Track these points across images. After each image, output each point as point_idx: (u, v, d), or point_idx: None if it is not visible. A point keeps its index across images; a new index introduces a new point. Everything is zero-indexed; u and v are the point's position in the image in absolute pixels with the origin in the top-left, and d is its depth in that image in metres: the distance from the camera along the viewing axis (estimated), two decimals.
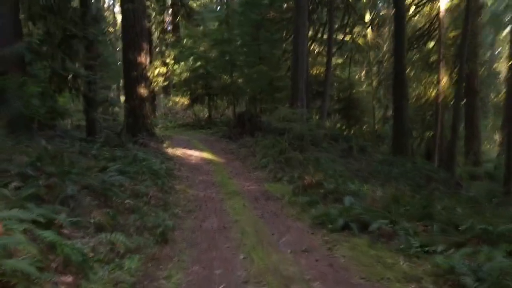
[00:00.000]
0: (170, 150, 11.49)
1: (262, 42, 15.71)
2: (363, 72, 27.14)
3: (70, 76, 9.12)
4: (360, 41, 21.97)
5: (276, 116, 11.51)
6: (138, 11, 11.57)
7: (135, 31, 11.61)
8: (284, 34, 18.64)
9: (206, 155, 11.89)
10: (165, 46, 26.74)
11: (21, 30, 8.66)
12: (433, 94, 19.79)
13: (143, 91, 11.85)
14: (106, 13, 32.06)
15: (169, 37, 25.77)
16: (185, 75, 19.87)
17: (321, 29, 19.35)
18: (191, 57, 18.73)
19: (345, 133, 20.38)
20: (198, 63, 18.85)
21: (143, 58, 11.89)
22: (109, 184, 5.46)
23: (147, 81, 12.21)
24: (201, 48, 18.61)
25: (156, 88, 24.92)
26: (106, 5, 34.64)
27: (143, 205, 5.69)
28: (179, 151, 11.87)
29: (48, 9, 8.50)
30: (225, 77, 17.35)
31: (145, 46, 12.02)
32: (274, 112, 11.45)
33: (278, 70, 17.19)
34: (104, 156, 8.38)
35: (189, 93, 19.60)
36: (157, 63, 24.17)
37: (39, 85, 7.13)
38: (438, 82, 17.86)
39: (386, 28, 24.02)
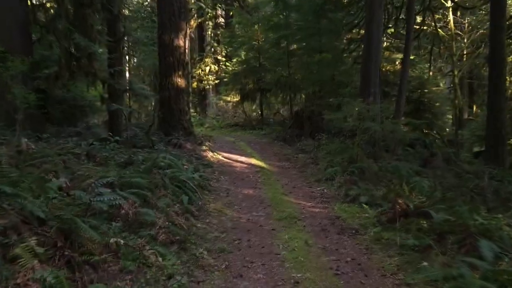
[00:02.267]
0: (209, 154, 9.38)
1: (323, 32, 13.17)
2: (435, 69, 23.59)
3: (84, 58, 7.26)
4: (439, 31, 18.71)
5: (347, 112, 8.97)
6: None
7: (172, 8, 9.68)
8: (351, 21, 16.02)
9: (255, 161, 9.64)
10: (217, 43, 25.41)
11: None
12: None
13: (180, 80, 9.88)
14: None
15: (222, 33, 24.24)
16: (236, 68, 17.88)
17: (393, 16, 16.48)
18: (242, 47, 16.68)
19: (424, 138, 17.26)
20: (250, 55, 16.75)
21: (182, 41, 9.93)
22: (83, 211, 3.32)
23: (186, 69, 10.26)
24: (254, 39, 16.47)
25: (207, 87, 23.46)
26: None
27: (142, 245, 3.50)
28: (221, 156, 9.74)
29: None
30: (279, 70, 15.04)
31: (184, 26, 10.05)
32: (345, 108, 8.93)
33: (341, 64, 14.59)
34: (117, 160, 6.40)
35: (239, 88, 17.52)
36: (208, 60, 22.68)
37: (26, 64, 5.24)
38: None
39: (467, 20, 20.48)
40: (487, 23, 22.32)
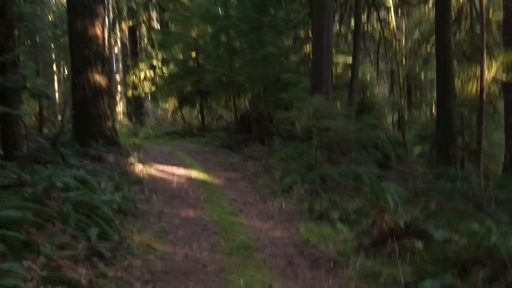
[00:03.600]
0: (139, 168, 7.69)
1: (266, 30, 11.95)
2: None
3: None
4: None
5: (301, 110, 7.75)
6: None
7: None
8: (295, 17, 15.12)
9: (196, 173, 8.10)
10: (152, 47, 23.68)
11: None
12: (473, 89, 16.28)
13: (98, 78, 8.10)
14: None
15: (154, 32, 22.53)
16: (172, 70, 16.23)
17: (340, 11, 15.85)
18: (178, 46, 15.10)
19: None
20: (187, 54, 15.21)
21: (99, 30, 8.18)
22: None
23: (106, 65, 8.50)
24: (190, 36, 14.94)
25: (143, 95, 21.74)
26: None
27: None
28: (154, 169, 8.08)
29: None
30: (220, 69, 13.62)
31: (102, 12, 8.31)
32: (298, 105, 7.70)
33: (287, 63, 13.52)
34: None
35: (175, 92, 15.84)
36: (142, 65, 20.89)
37: None
38: (482, 74, 14.33)
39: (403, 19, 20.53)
40: (425, 23, 22.67)
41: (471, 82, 16.83)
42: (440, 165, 11.57)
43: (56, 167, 6.23)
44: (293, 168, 7.97)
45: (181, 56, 15.80)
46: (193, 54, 15.09)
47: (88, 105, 8.06)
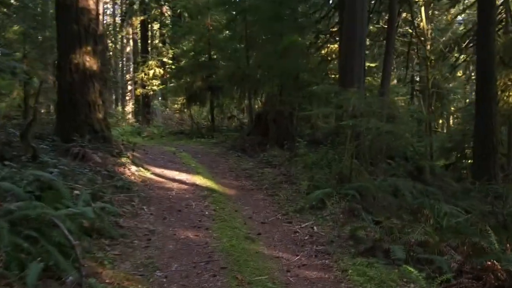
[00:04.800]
0: (131, 170, 6.26)
1: (286, 21, 10.45)
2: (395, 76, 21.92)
3: None
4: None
5: (338, 106, 6.25)
6: None
7: None
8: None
9: (201, 180, 6.64)
10: (162, 43, 22.70)
11: None
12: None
13: (88, 59, 6.70)
14: None
15: (167, 32, 21.57)
16: (181, 64, 14.89)
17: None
18: (189, 37, 13.76)
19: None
20: (199, 46, 13.84)
21: (92, 0, 6.80)
22: None
23: (99, 44, 7.11)
24: (203, 26, 13.58)
25: (151, 93, 20.74)
26: None
27: None
28: (150, 172, 6.65)
29: None
30: (234, 64, 12.17)
31: None
32: (335, 100, 6.20)
33: (307, 61, 12.00)
34: None
35: (184, 87, 14.44)
36: (152, 63, 19.79)
37: None
38: None
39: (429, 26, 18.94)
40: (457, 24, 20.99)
41: (508, 90, 15.10)
42: (477, 180, 10.00)
43: (20, 165, 4.84)
44: (320, 178, 6.47)
45: (192, 50, 14.41)
46: (206, 45, 13.72)
47: (74, 91, 6.65)
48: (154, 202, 5.21)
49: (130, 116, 23.70)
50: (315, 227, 4.68)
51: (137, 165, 6.63)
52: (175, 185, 6.15)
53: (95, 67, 6.87)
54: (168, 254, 3.70)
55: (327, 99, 7.40)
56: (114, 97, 29.67)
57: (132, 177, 5.98)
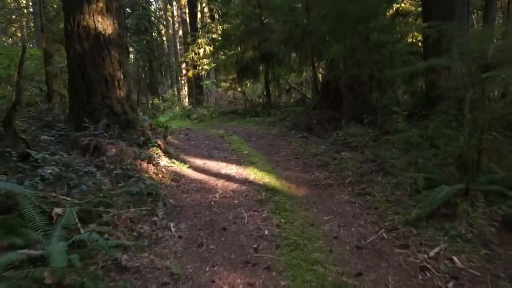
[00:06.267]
0: (160, 166, 4.60)
1: None
2: None
3: None
4: None
5: (459, 55, 4.08)
6: None
7: None
8: None
9: (255, 173, 4.84)
10: (211, 19, 21.67)
11: None
12: None
13: (101, 19, 5.11)
14: None
15: (216, 5, 20.47)
16: (230, 32, 13.13)
17: None
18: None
19: None
20: (248, 10, 11.96)
21: None
22: None
23: (114, 1, 5.48)
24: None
25: (202, 72, 19.80)
26: None
27: None
28: (187, 166, 4.95)
29: None
30: (291, 23, 10.10)
31: None
32: (453, 45, 4.06)
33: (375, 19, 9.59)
34: None
35: (234, 62, 12.66)
36: (201, 41, 18.67)
37: None
38: None
39: None
40: None
41: None
42: None
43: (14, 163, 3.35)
44: (425, 164, 4.40)
45: (241, 13, 12.55)
46: (256, 9, 11.79)
47: (87, 62, 5.09)
48: (186, 215, 3.50)
49: (186, 99, 22.89)
50: (455, 258, 2.70)
51: (170, 157, 4.98)
52: (219, 183, 4.40)
53: (110, 29, 5.24)
54: None
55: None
56: (169, 81, 29.13)
57: (160, 176, 4.31)
